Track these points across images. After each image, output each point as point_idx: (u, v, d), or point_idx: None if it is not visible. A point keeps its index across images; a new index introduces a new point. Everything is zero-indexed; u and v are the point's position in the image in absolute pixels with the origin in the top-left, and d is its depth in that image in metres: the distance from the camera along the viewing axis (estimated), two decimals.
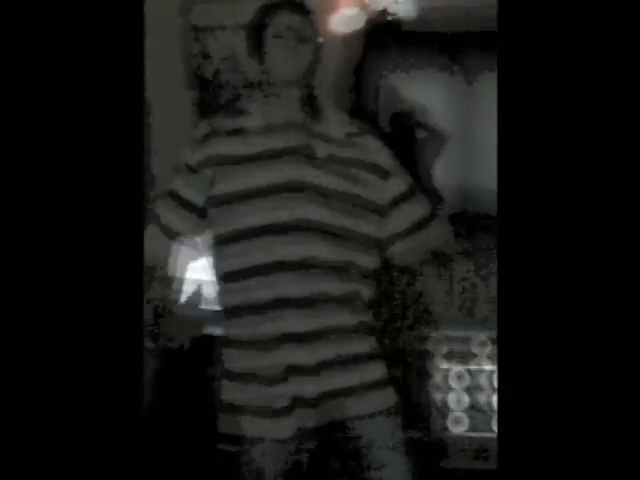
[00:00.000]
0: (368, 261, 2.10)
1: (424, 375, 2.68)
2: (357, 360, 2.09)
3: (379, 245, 2.13)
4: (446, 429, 2.65)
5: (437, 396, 2.66)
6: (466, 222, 2.71)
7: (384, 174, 2.14)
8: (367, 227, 2.09)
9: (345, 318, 2.08)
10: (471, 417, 2.67)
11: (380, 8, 3.25)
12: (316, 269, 2.04)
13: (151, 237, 2.14)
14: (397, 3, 3.23)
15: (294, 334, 2.04)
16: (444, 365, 2.67)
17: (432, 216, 2.20)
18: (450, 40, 3.19)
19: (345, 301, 2.07)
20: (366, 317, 2.12)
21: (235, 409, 2.12)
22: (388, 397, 2.12)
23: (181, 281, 2.34)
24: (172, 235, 2.18)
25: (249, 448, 2.11)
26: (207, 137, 2.14)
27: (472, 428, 2.68)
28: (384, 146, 2.19)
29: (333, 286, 2.06)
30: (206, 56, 4.15)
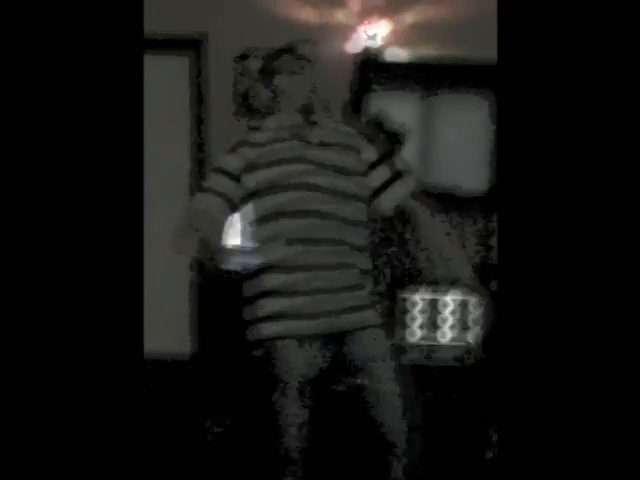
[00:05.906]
0: (356, 214, 2.75)
1: None
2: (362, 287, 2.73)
3: (365, 200, 2.79)
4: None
5: None
6: None
7: (358, 151, 2.83)
8: (354, 187, 2.76)
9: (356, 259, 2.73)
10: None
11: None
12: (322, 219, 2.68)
13: (199, 197, 2.79)
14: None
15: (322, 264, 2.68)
16: None
17: (399, 173, 2.85)
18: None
19: (353, 246, 2.72)
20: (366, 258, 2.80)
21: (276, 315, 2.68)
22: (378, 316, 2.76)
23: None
24: (218, 194, 2.79)
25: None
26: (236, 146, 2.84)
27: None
28: (356, 132, 2.88)
29: (332, 233, 2.69)
30: None
